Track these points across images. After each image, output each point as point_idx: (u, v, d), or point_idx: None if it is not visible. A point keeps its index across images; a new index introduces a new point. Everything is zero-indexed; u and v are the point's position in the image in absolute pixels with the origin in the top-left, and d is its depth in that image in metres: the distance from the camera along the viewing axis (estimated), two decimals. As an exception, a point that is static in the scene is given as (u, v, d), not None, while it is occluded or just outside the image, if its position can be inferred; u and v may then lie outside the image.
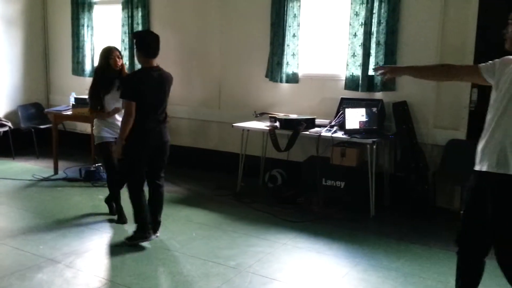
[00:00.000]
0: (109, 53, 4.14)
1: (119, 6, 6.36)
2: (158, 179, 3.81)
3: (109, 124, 4.18)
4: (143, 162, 3.69)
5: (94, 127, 4.26)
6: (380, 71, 2.74)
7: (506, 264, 2.33)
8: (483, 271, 2.52)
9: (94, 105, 4.19)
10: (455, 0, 4.48)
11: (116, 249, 3.70)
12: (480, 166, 2.38)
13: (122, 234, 3.93)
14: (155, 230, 3.79)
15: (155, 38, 3.62)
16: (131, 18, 6.27)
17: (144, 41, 3.61)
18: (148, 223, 3.73)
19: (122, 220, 4.20)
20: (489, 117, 2.38)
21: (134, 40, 3.71)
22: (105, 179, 5.40)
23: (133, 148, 3.62)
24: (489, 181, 2.33)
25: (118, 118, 4.16)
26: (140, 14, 6.22)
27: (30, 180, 5.47)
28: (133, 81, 3.64)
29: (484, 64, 2.47)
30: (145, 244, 3.73)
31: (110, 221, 4.26)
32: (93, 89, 4.19)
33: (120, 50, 4.28)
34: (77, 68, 6.85)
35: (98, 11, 6.76)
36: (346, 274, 3.35)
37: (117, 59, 4.17)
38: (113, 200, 4.34)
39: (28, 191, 5.10)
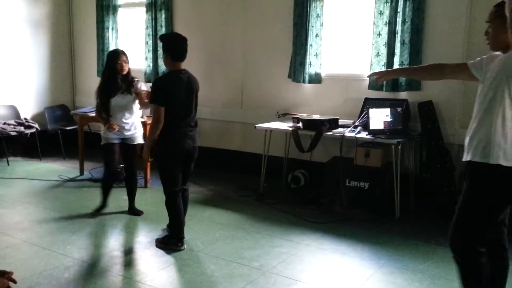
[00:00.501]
0: (116, 57, 4.17)
1: (143, 9, 6.43)
2: (184, 184, 3.78)
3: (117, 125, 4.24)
4: (178, 167, 3.61)
5: (102, 128, 4.33)
6: (374, 76, 2.83)
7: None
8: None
9: (101, 109, 4.25)
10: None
11: (141, 249, 3.74)
12: (465, 156, 2.47)
13: (147, 234, 3.97)
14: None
15: (184, 41, 3.55)
16: (154, 20, 6.33)
17: (172, 44, 3.53)
18: (182, 233, 3.68)
19: (100, 210, 4.39)
20: (475, 109, 2.47)
21: (162, 43, 3.64)
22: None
23: (166, 155, 3.56)
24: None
25: (125, 120, 4.26)
26: (163, 16, 6.28)
27: (56, 181, 5.57)
28: (163, 85, 3.54)
29: (472, 61, 2.57)
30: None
31: (135, 221, 4.30)
32: (101, 92, 4.22)
33: (127, 54, 4.30)
34: (102, 70, 6.95)
35: (122, 13, 6.85)
36: (371, 276, 3.31)
37: (124, 64, 4.18)
38: (105, 197, 4.45)
39: (55, 192, 5.20)
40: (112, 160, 4.30)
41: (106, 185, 4.42)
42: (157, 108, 3.48)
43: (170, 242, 3.70)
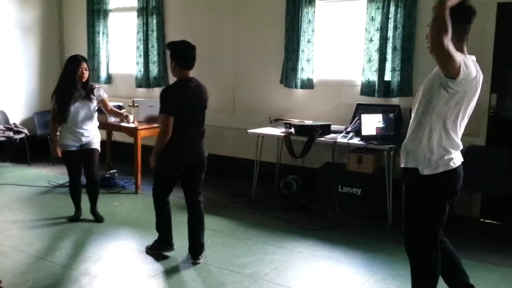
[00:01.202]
0: (77, 64, 4.08)
1: (134, 13, 6.41)
2: (197, 196, 3.63)
3: (74, 132, 4.15)
4: (176, 178, 3.54)
5: (59, 134, 4.20)
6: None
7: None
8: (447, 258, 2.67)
9: (58, 115, 4.13)
10: (472, 5, 4.40)
11: (131, 256, 3.69)
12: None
13: (138, 241, 3.92)
14: (195, 256, 3.55)
15: (192, 49, 3.44)
16: (146, 25, 6.31)
17: (181, 52, 3.41)
18: (170, 235, 3.65)
19: (76, 219, 4.35)
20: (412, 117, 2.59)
21: (170, 51, 3.47)
22: (120, 185, 5.46)
23: (169, 163, 3.46)
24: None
25: (85, 127, 4.18)
26: (155, 21, 6.25)
27: (45, 187, 5.50)
28: (172, 95, 3.40)
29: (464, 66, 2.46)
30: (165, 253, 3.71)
31: (126, 228, 4.25)
32: (60, 98, 4.10)
33: (87, 61, 4.28)
34: (93, 75, 6.87)
35: (113, 18, 6.82)
36: (364, 283, 3.29)
37: (85, 71, 4.11)
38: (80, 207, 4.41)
39: (44, 198, 5.13)
40: (73, 167, 4.26)
41: (74, 191, 4.37)
42: (166, 118, 3.35)
43: (159, 246, 3.66)
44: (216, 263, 3.52)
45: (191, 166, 3.53)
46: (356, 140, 4.50)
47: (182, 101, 3.39)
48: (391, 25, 4.69)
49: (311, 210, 4.73)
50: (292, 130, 4.84)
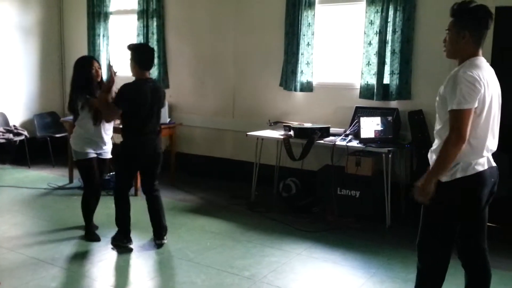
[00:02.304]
0: (90, 64, 3.91)
1: (135, 16, 6.43)
2: (152, 188, 3.88)
3: (92, 139, 3.89)
4: (132, 171, 3.86)
5: (73, 141, 3.92)
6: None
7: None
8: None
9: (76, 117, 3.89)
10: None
11: (130, 258, 3.70)
12: None
13: (137, 243, 3.93)
14: (161, 236, 3.86)
15: (151, 51, 3.75)
16: (146, 28, 6.33)
17: (140, 54, 3.69)
18: (127, 230, 3.81)
19: (92, 237, 4.00)
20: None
21: (130, 52, 3.73)
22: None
23: (126, 159, 3.75)
24: None
25: (105, 132, 3.93)
26: (155, 24, 6.27)
27: (45, 189, 5.51)
28: (127, 91, 3.64)
29: (470, 99, 2.31)
30: (159, 253, 3.72)
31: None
32: (76, 101, 3.83)
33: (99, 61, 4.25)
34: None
35: (114, 21, 6.84)
36: (362, 285, 3.30)
37: (98, 70, 3.94)
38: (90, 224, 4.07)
39: (43, 200, 5.14)
40: (94, 177, 3.92)
41: (90, 204, 4.01)
42: (115, 109, 3.62)
43: (118, 238, 3.80)
44: (215, 265, 3.53)
45: (147, 159, 3.77)
46: (355, 143, 4.51)
47: (137, 99, 3.63)
48: (390, 29, 4.72)
49: (310, 212, 4.74)
50: (292, 132, 4.86)
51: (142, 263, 3.61)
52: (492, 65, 4.45)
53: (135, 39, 6.43)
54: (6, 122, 6.64)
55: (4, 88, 6.72)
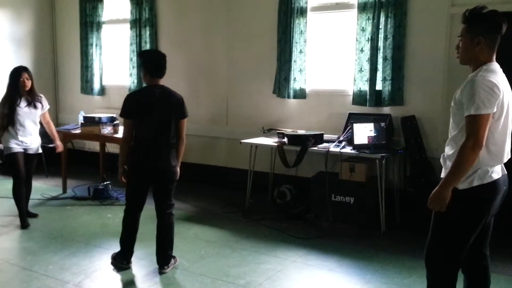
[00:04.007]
0: (18, 75, 4.44)
1: (127, 25, 6.44)
2: (165, 207, 3.57)
3: (18, 137, 4.45)
4: (141, 188, 3.50)
5: (3, 139, 4.50)
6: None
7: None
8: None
9: (4, 118, 4.41)
10: (461, 16, 4.46)
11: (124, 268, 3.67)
12: None
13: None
14: (162, 265, 3.55)
15: (162, 58, 3.51)
16: (139, 37, 6.34)
17: (151, 61, 3.51)
18: (128, 251, 3.59)
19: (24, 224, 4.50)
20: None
21: (141, 59, 3.64)
22: (113, 197, 5.45)
23: (132, 172, 3.47)
24: None
25: (32, 131, 4.53)
26: (148, 33, 6.29)
27: (39, 199, 5.48)
28: (132, 99, 3.49)
29: (489, 105, 2.28)
30: (154, 263, 3.70)
31: (118, 240, 4.23)
32: (6, 103, 4.41)
33: (30, 71, 4.55)
34: (86, 87, 6.92)
35: (106, 30, 6.85)
36: (358, 292, 3.29)
37: (26, 80, 4.46)
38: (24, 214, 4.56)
39: (37, 210, 5.09)
40: (20, 170, 4.47)
41: (19, 194, 4.53)
42: (124, 122, 3.48)
43: (118, 258, 3.65)
44: (210, 274, 3.52)
45: (157, 175, 3.49)
46: (348, 149, 4.53)
47: (142, 107, 3.43)
48: (381, 35, 4.76)
49: (305, 219, 4.74)
50: (285, 140, 4.87)
51: (136, 273, 3.58)
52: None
53: (128, 49, 6.45)
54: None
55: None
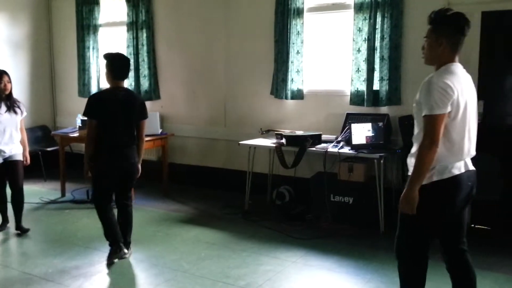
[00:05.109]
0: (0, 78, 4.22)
1: (124, 28, 6.44)
2: (125, 199, 3.83)
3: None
4: (108, 181, 3.70)
5: None
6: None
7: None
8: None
9: None
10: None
11: (124, 271, 3.68)
12: None
13: (131, 256, 3.90)
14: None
15: (126, 61, 3.72)
16: (136, 39, 6.34)
17: (114, 64, 3.67)
18: (116, 239, 3.75)
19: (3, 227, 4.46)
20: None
21: (105, 61, 3.75)
22: (112, 200, 5.42)
23: (98, 169, 3.67)
24: None
25: (11, 138, 4.27)
26: (144, 35, 6.29)
27: (37, 203, 5.47)
28: (95, 100, 3.67)
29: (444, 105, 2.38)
30: (154, 265, 3.70)
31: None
32: None
33: (9, 74, 4.36)
34: (83, 90, 6.91)
35: (103, 33, 6.84)
36: (358, 292, 3.30)
37: (7, 83, 4.27)
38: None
39: (36, 214, 5.10)
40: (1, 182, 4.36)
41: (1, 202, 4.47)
42: (88, 122, 3.65)
43: (112, 252, 3.74)
44: (210, 276, 3.52)
45: (123, 173, 3.71)
46: (346, 150, 4.54)
47: (105, 107, 3.61)
48: (378, 35, 4.77)
49: (304, 220, 4.75)
50: (284, 140, 4.88)
51: (137, 276, 3.59)
52: (479, 68, 4.53)
53: (125, 51, 6.44)
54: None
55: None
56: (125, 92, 3.70)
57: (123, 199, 3.83)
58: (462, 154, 2.43)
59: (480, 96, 4.44)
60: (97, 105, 3.62)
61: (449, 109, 2.33)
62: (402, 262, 2.61)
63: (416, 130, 2.50)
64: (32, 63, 7.14)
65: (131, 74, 6.40)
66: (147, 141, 5.39)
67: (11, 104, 4.32)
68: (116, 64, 3.67)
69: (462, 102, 2.38)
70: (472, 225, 4.58)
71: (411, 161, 2.49)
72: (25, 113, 4.48)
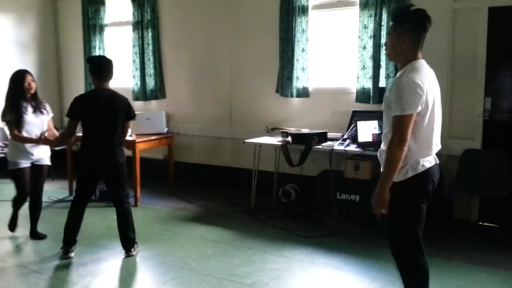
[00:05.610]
0: (22, 78, 4.06)
1: (130, 28, 6.46)
2: (120, 197, 3.83)
3: (25, 149, 4.04)
4: (85, 182, 3.78)
5: (8, 152, 4.12)
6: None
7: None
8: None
9: (14, 128, 3.99)
10: (463, 11, 4.46)
11: (131, 269, 3.69)
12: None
13: (138, 254, 3.92)
14: (127, 249, 3.84)
15: (109, 63, 3.77)
16: (141, 39, 6.36)
17: (97, 66, 3.74)
18: (70, 240, 3.83)
19: (12, 228, 4.38)
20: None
21: (89, 65, 3.82)
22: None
23: (79, 169, 3.77)
24: None
25: (30, 144, 4.05)
26: (150, 34, 6.30)
27: (45, 202, 5.46)
28: (78, 101, 3.75)
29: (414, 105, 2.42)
30: (161, 263, 3.72)
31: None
32: (12, 110, 3.99)
33: (31, 74, 4.18)
34: (90, 89, 6.93)
35: (109, 32, 6.87)
36: (364, 289, 3.29)
37: (31, 83, 4.10)
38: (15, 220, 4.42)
39: (44, 213, 5.08)
40: (25, 188, 4.14)
41: (18, 205, 4.32)
42: (69, 122, 3.73)
43: (63, 248, 3.85)
44: (216, 274, 3.52)
45: (105, 172, 3.76)
46: (352, 147, 4.52)
47: (89, 109, 3.69)
48: (384, 32, 4.74)
49: (310, 218, 4.74)
50: (289, 139, 4.87)
51: (143, 274, 3.60)
52: (487, 64, 4.50)
53: (130, 51, 6.47)
54: (5, 137, 6.62)
55: (2, 103, 6.72)
56: (109, 93, 3.76)
57: (117, 197, 3.84)
58: (431, 149, 2.51)
59: (487, 93, 4.47)
60: (79, 106, 3.72)
61: (419, 108, 2.39)
62: (399, 260, 2.63)
63: (385, 129, 2.56)
64: (39, 63, 7.19)
65: (137, 73, 6.43)
66: (153, 140, 5.47)
67: (37, 105, 4.13)
68: (99, 66, 3.74)
69: (431, 99, 2.44)
70: (480, 223, 4.56)
71: (381, 158, 2.56)
72: (51, 114, 4.29)
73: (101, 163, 3.72)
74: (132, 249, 3.86)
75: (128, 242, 3.85)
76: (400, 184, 2.47)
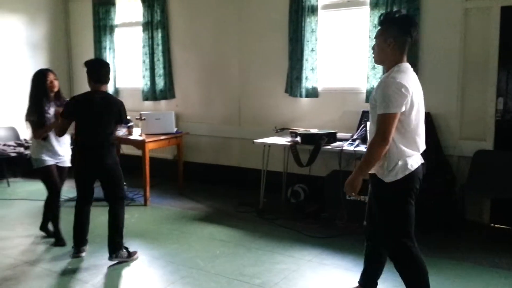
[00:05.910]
0: (44, 76, 4.02)
1: (140, 28, 6.49)
2: (113, 199, 3.82)
3: (51, 147, 4.03)
4: (81, 183, 3.84)
5: (32, 150, 4.08)
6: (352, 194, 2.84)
7: (378, 242, 2.92)
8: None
9: (37, 128, 3.97)
10: (475, 10, 4.42)
11: (142, 268, 3.71)
12: None
13: (147, 253, 3.94)
14: (110, 252, 3.74)
15: (104, 66, 3.82)
16: (151, 39, 6.39)
17: (93, 69, 3.79)
18: (80, 241, 3.87)
19: (60, 242, 4.15)
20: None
21: (85, 68, 3.83)
22: (129, 198, 5.48)
23: (75, 168, 3.83)
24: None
25: (62, 142, 4.08)
26: (160, 35, 6.33)
27: (56, 201, 5.53)
28: (72, 101, 3.84)
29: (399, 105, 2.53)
30: (170, 263, 3.72)
31: (134, 239, 4.27)
32: (36, 111, 3.96)
33: (54, 72, 4.14)
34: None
35: (119, 33, 6.91)
36: (374, 290, 3.26)
37: (54, 81, 4.06)
38: (48, 224, 4.34)
39: (54, 212, 5.17)
40: (56, 182, 4.09)
41: (56, 210, 4.19)
42: (61, 120, 3.80)
43: (73, 248, 3.90)
44: (225, 274, 3.53)
45: (99, 173, 3.80)
46: (362, 148, 4.49)
47: (80, 109, 3.75)
48: (394, 32, 4.71)
49: (319, 218, 4.73)
50: (298, 139, 4.86)
51: (153, 273, 3.61)
52: (499, 64, 4.45)
53: (140, 51, 6.50)
54: (17, 136, 6.71)
55: (14, 103, 6.80)
56: (103, 95, 3.80)
57: (110, 199, 3.83)
58: (418, 148, 2.62)
59: (499, 93, 4.43)
60: (72, 106, 3.78)
61: (403, 108, 2.47)
62: (400, 261, 2.71)
63: (372, 128, 2.64)
64: (51, 64, 7.22)
65: (147, 73, 6.46)
66: (162, 140, 5.49)
67: (61, 104, 4.05)
68: (94, 69, 3.78)
69: (416, 100, 2.53)
70: (492, 224, 4.51)
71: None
72: None
73: (90, 164, 3.77)
74: (114, 255, 3.71)
75: (111, 245, 3.73)
76: (390, 185, 2.60)
